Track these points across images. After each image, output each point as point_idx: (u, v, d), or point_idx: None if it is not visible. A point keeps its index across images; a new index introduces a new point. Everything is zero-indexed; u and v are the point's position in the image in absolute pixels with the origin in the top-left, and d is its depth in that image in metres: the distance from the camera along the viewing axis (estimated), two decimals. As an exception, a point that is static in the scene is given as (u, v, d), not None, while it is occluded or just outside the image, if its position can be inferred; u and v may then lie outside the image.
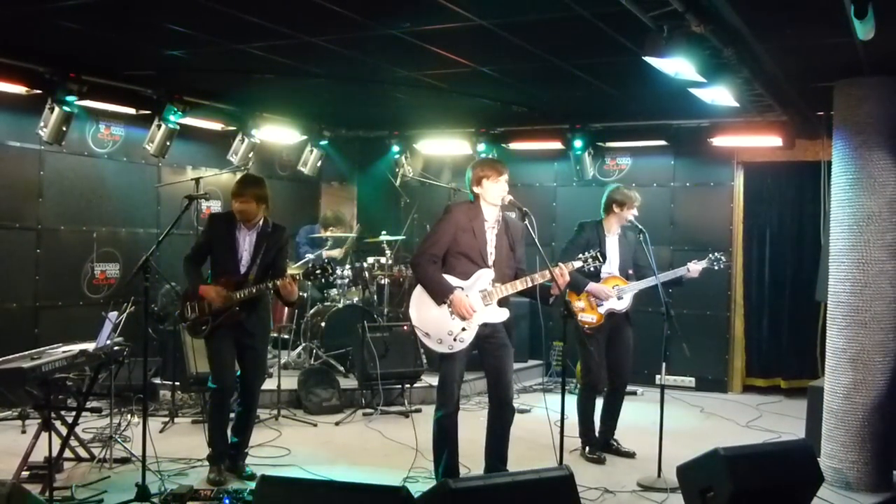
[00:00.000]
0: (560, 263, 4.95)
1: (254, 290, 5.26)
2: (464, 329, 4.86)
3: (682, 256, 8.91)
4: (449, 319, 4.86)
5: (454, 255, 4.93)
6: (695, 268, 6.12)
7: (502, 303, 4.98)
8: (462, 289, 4.86)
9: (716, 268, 6.25)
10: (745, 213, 8.88)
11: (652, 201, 8.77)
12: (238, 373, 5.52)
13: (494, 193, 4.92)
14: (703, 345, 8.50)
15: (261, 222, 5.43)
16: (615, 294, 5.98)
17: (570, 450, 6.09)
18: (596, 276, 5.96)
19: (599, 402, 6.20)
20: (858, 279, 5.49)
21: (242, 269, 5.37)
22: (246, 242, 5.40)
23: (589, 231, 6.06)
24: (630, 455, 6.11)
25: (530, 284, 4.92)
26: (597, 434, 6.14)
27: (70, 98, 6.69)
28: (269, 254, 5.42)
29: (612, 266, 6.05)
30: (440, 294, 4.85)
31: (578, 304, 5.96)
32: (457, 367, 4.95)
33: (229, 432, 5.48)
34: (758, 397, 8.54)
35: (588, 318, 6.00)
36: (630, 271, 6.15)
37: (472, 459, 5.30)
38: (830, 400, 5.66)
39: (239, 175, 7.49)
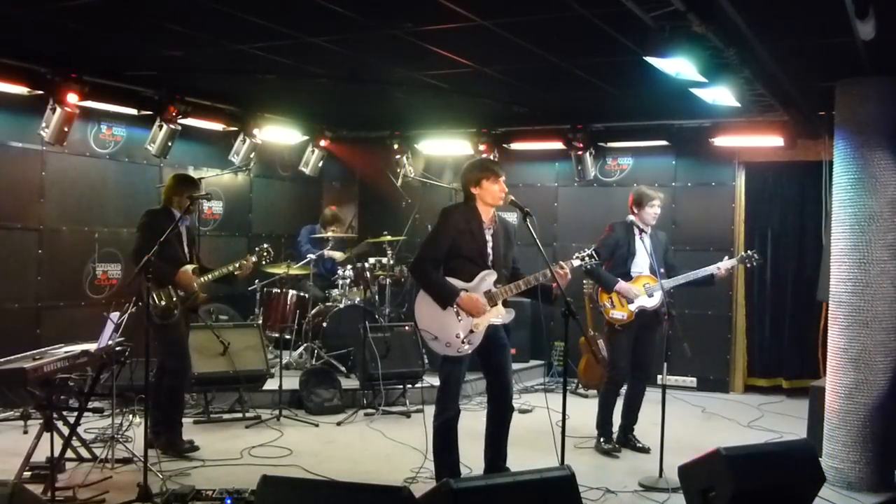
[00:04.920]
0: (561, 262, 4.96)
1: (224, 271, 5.91)
2: (472, 331, 4.83)
3: (684, 257, 8.90)
4: (456, 322, 4.80)
5: (455, 257, 4.87)
6: (725, 265, 6.15)
7: (505, 303, 4.97)
8: (466, 291, 4.83)
9: (747, 265, 6.40)
10: (746, 213, 8.87)
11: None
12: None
13: (494, 194, 4.90)
14: (705, 345, 8.49)
15: None
16: (644, 293, 6.06)
17: (580, 446, 6.19)
18: (627, 274, 6.08)
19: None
20: (860, 279, 5.49)
21: (188, 258, 5.90)
22: (184, 233, 5.92)
23: (619, 231, 6.16)
24: (645, 451, 6.17)
25: (533, 284, 4.92)
26: (615, 428, 6.27)
27: (71, 98, 6.70)
28: (193, 242, 6.05)
29: (642, 265, 6.11)
30: (445, 298, 4.78)
31: (607, 302, 6.08)
32: (461, 371, 4.93)
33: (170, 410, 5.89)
34: (759, 397, 8.54)
35: (619, 315, 6.10)
36: (662, 269, 6.14)
37: (472, 460, 5.30)
38: (832, 400, 5.66)
39: (241, 175, 7.53)
